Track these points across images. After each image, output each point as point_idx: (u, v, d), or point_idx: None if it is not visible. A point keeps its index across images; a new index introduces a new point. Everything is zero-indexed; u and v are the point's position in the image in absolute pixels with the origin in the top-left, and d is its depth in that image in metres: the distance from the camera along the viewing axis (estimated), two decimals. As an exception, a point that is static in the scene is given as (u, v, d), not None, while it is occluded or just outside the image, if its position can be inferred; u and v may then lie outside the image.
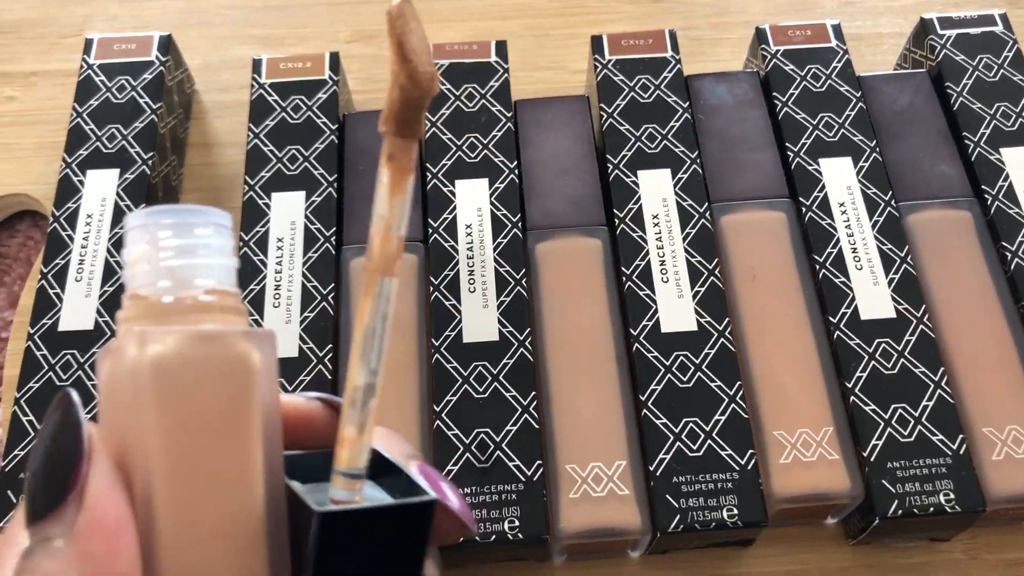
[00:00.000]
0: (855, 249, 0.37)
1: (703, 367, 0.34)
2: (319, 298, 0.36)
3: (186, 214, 0.18)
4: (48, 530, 0.15)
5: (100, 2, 0.49)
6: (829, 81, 0.40)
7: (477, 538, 0.32)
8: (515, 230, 0.37)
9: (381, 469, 0.21)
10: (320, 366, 0.35)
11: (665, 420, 0.33)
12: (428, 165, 0.39)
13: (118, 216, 0.38)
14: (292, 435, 0.20)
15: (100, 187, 0.39)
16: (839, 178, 0.38)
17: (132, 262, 0.18)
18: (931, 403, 0.34)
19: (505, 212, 0.38)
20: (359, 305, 0.18)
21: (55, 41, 0.48)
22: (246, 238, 0.37)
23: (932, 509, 0.32)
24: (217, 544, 0.17)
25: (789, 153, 0.39)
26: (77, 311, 0.36)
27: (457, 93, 0.40)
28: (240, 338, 0.17)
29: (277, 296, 0.36)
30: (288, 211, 0.38)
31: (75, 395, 0.17)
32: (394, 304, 0.18)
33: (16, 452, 0.33)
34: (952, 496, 0.32)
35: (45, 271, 0.37)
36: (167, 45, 0.43)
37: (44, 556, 0.15)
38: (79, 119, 0.40)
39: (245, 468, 0.17)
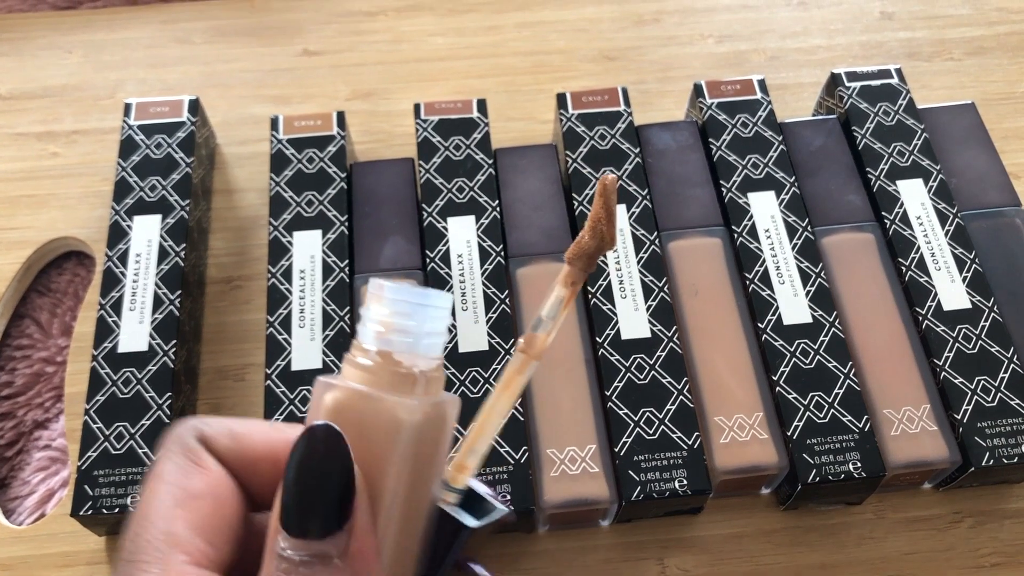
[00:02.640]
0: (778, 267, 0.44)
1: (656, 367, 0.42)
2: (337, 319, 0.43)
3: (419, 297, 0.23)
4: (325, 549, 0.20)
5: (130, 68, 0.56)
6: (755, 128, 0.48)
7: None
8: (499, 258, 0.45)
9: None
10: (341, 375, 0.42)
11: (626, 410, 0.41)
12: (424, 205, 0.46)
13: (163, 255, 0.45)
14: None
15: (145, 230, 0.46)
16: (764, 209, 0.46)
17: (370, 319, 0.23)
18: (841, 391, 0.41)
19: (490, 243, 0.45)
20: (511, 378, 0.25)
21: (92, 103, 0.55)
22: (274, 270, 0.44)
23: (843, 476, 0.39)
24: (409, 543, 0.23)
25: (723, 189, 0.47)
26: (133, 335, 0.43)
27: (446, 144, 0.48)
28: (450, 405, 0.24)
29: (302, 318, 0.43)
30: (308, 247, 0.45)
31: (343, 434, 0.22)
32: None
33: (90, 453, 0.40)
34: (859, 465, 0.40)
35: (103, 302, 0.44)
36: (195, 107, 0.50)
37: (325, 570, 0.20)
38: (124, 172, 0.47)
39: (430, 497, 0.24)
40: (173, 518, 0.22)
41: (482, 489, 0.26)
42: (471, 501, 0.26)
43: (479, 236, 0.45)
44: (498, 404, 0.25)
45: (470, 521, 0.25)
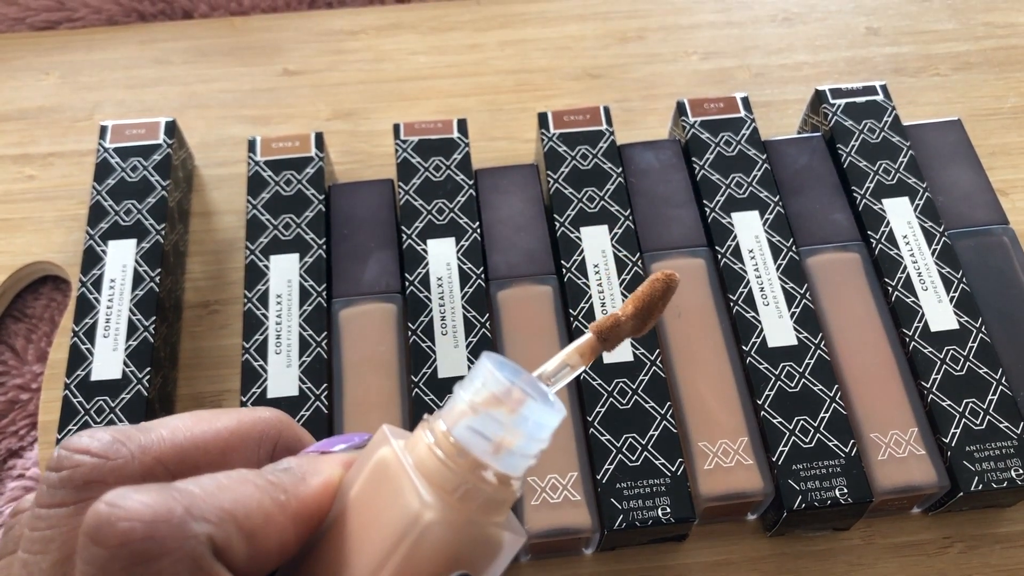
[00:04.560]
0: (762, 288, 0.44)
1: (639, 391, 0.41)
2: (314, 345, 0.42)
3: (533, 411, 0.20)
4: None
5: (108, 89, 0.55)
6: (739, 146, 0.48)
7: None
8: (479, 280, 0.44)
9: None
10: (317, 403, 0.41)
11: (608, 436, 0.40)
12: (403, 227, 0.45)
13: (138, 280, 0.44)
14: None
15: (120, 255, 0.45)
16: (748, 229, 0.45)
17: (490, 428, 0.20)
18: (827, 414, 0.41)
19: (470, 265, 0.44)
20: None
21: (69, 125, 0.54)
22: (250, 295, 0.43)
23: (829, 502, 0.39)
24: None
25: (706, 209, 0.46)
26: (106, 363, 0.42)
27: (426, 165, 0.47)
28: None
29: (278, 344, 0.42)
30: (284, 271, 0.44)
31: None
32: None
33: (60, 485, 0.39)
34: (846, 490, 0.39)
35: (77, 329, 0.43)
36: (172, 129, 0.49)
37: None
38: (99, 196, 0.47)
39: None
40: None
41: None
42: None
43: (459, 258, 0.44)
44: None
45: None
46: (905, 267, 0.44)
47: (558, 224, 0.45)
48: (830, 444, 0.40)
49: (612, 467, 0.39)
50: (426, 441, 0.20)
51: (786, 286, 0.44)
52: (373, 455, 0.21)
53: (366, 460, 0.21)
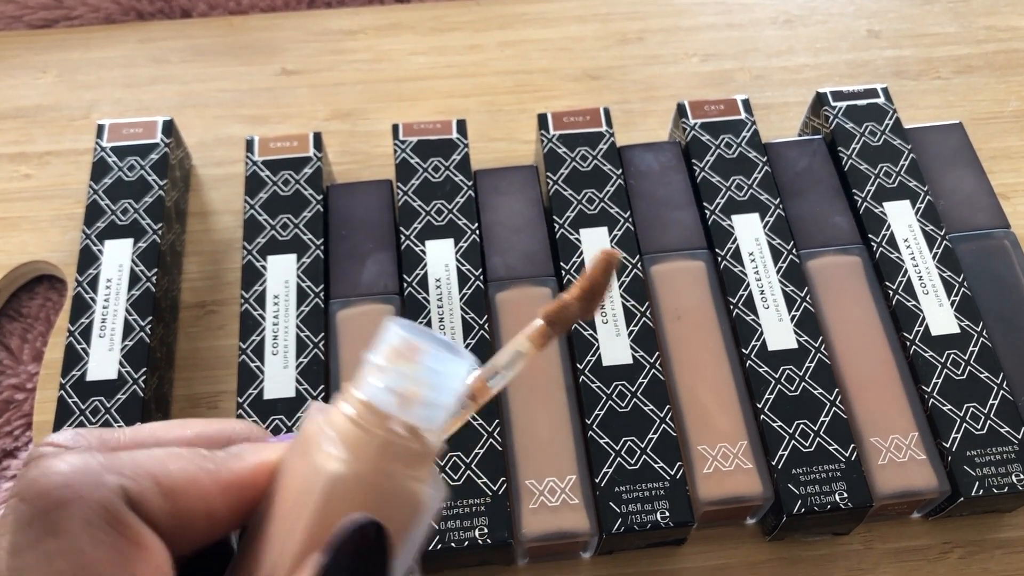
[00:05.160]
0: (763, 291, 0.43)
1: (638, 394, 0.41)
2: (311, 346, 0.42)
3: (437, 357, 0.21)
4: None
5: (106, 88, 0.55)
6: (739, 148, 0.47)
7: (453, 544, 0.38)
8: (477, 282, 0.44)
9: None
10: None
11: (607, 439, 0.40)
12: (402, 228, 0.45)
13: (134, 280, 0.44)
14: None
15: (117, 255, 0.45)
16: (748, 231, 0.45)
17: (394, 380, 0.21)
18: (827, 418, 0.40)
19: (469, 267, 0.44)
20: (449, 428, 0.22)
21: (66, 124, 0.54)
22: (247, 296, 0.43)
23: (829, 506, 0.38)
24: None
25: (706, 211, 0.46)
26: (102, 363, 0.42)
27: (425, 166, 0.47)
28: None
29: (275, 345, 0.42)
30: (282, 272, 0.44)
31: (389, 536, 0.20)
32: None
33: (55, 486, 0.39)
34: (845, 495, 0.39)
35: (72, 329, 0.43)
36: (169, 128, 0.49)
37: None
38: (95, 195, 0.46)
39: None
40: None
41: None
42: None
43: (458, 260, 0.44)
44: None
45: None
46: (906, 271, 0.44)
47: (557, 226, 0.45)
48: (830, 448, 0.40)
49: (611, 470, 0.39)
50: (340, 407, 0.21)
51: (786, 289, 0.43)
52: (300, 430, 0.22)
53: (296, 437, 0.22)
